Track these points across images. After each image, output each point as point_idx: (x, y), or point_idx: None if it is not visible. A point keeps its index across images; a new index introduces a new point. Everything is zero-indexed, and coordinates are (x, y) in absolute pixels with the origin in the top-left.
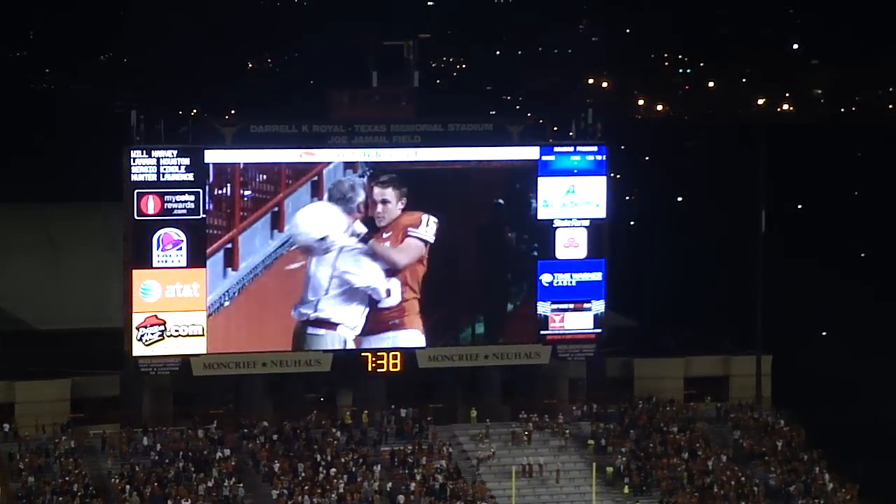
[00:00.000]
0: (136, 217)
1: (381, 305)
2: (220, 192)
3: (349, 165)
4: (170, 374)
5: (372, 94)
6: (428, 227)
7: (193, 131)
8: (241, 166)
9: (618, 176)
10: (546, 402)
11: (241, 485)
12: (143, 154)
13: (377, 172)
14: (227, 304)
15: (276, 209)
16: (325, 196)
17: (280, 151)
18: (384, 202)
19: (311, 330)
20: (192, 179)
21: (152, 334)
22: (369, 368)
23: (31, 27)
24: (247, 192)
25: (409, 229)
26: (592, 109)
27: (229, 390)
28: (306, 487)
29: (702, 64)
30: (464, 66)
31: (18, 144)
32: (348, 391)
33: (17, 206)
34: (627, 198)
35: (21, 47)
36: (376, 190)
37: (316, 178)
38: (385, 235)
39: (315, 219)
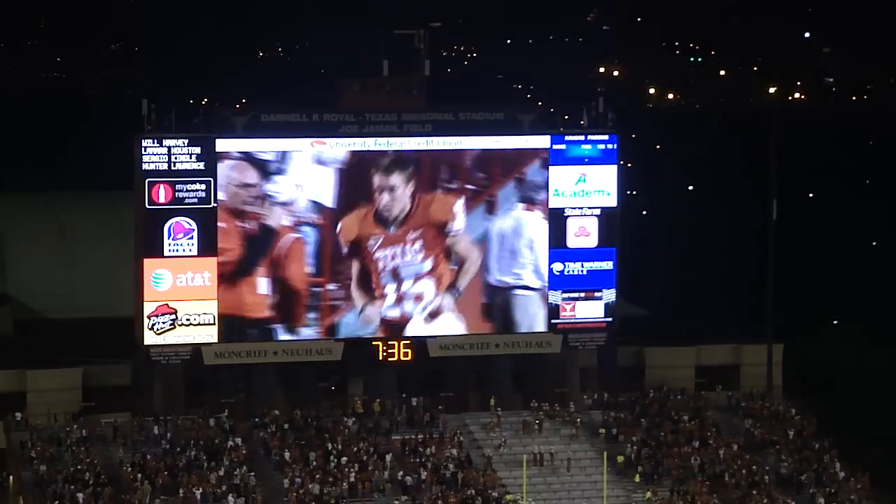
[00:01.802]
0: (147, 206)
1: None
2: None
3: None
4: (181, 363)
5: (383, 83)
6: (457, 218)
7: (204, 120)
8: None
9: (629, 164)
10: (557, 391)
11: (253, 473)
12: (154, 143)
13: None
14: None
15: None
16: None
17: (291, 140)
18: (391, 189)
19: None
20: (203, 168)
21: (164, 323)
22: (380, 357)
23: (43, 17)
24: None
25: (444, 231)
26: (603, 98)
27: (241, 379)
28: (317, 476)
29: (713, 52)
30: (475, 54)
31: (30, 134)
32: (359, 380)
33: (29, 196)
34: (632, 192)
35: (33, 37)
36: (378, 178)
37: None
38: (411, 237)
39: None
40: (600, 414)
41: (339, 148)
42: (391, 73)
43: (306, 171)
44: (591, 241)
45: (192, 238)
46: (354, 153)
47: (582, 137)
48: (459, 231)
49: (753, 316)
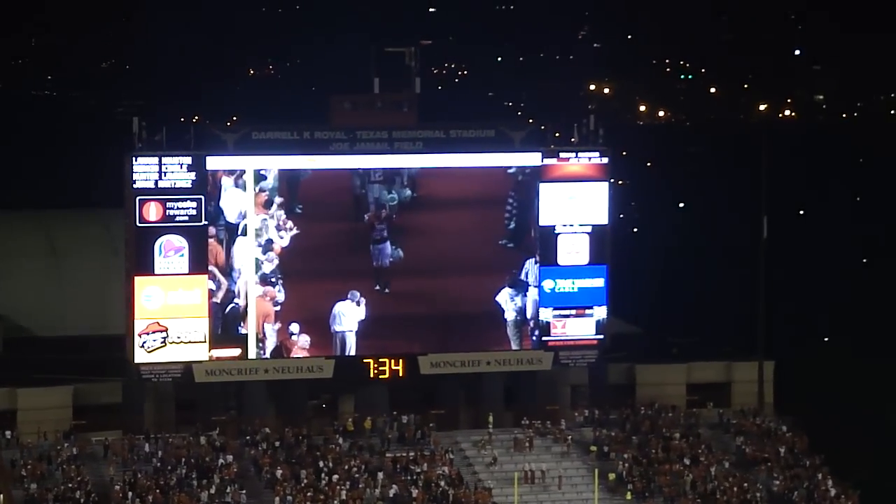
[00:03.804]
0: (137, 224)
1: None
2: None
3: None
4: (172, 381)
5: (374, 101)
6: None
7: (195, 138)
8: None
9: (619, 182)
10: (548, 409)
11: (244, 491)
12: (145, 161)
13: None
14: None
15: None
16: None
17: (282, 158)
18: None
19: None
20: (195, 186)
21: (154, 341)
22: (371, 375)
23: (33, 34)
24: None
25: None
26: (594, 115)
27: (231, 397)
28: (308, 494)
29: (703, 70)
30: (465, 72)
31: (20, 151)
32: (350, 398)
33: (19, 214)
34: (623, 209)
35: (23, 54)
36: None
37: None
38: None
39: None
40: (591, 431)
41: None
42: (382, 91)
43: None
44: (582, 258)
45: (182, 255)
46: None
47: (573, 155)
48: None
49: (744, 333)
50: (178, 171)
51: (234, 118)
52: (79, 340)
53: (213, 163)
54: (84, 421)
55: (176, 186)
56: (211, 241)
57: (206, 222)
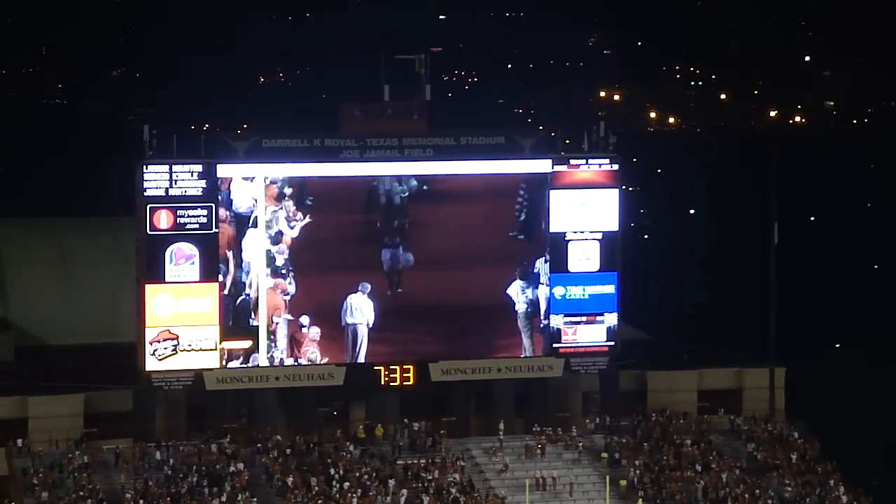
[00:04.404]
0: (148, 231)
1: None
2: None
3: None
4: (183, 389)
5: (384, 108)
6: None
7: (206, 146)
8: None
9: (629, 189)
10: (559, 415)
11: (255, 499)
12: (155, 169)
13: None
14: None
15: None
16: None
17: (292, 165)
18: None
19: None
20: (205, 193)
21: (165, 349)
22: (382, 382)
23: (44, 43)
24: None
25: None
26: (604, 122)
27: (242, 404)
28: (320, 502)
29: (713, 76)
30: (476, 79)
31: (31, 160)
32: (361, 405)
33: (30, 222)
34: (634, 216)
35: (34, 63)
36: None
37: None
38: None
39: None
40: (602, 438)
41: None
42: (392, 98)
43: None
44: (593, 265)
45: (193, 263)
46: None
47: (583, 161)
48: None
49: (755, 339)
50: (188, 179)
51: (245, 126)
52: (90, 348)
53: (224, 170)
54: (95, 429)
55: (186, 194)
56: (223, 225)
57: (217, 229)
